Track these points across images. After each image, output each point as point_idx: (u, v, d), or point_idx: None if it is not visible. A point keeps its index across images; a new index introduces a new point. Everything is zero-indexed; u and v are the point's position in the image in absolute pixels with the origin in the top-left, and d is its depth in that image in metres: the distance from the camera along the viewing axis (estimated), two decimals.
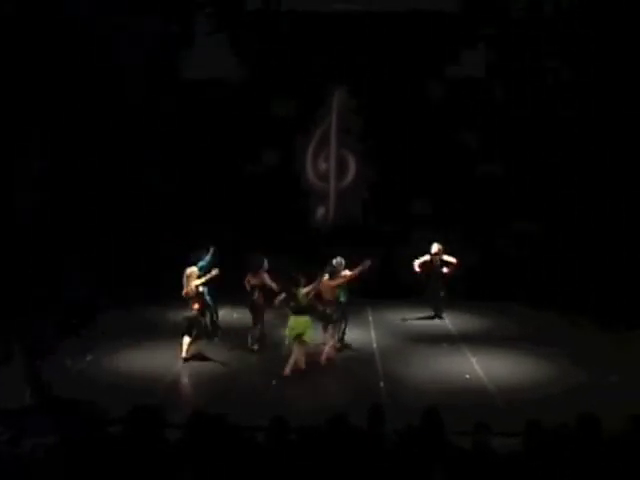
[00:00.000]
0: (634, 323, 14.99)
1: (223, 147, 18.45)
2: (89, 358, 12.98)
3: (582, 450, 6.21)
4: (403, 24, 17.95)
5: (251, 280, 13.53)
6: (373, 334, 14.86)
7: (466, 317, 16.38)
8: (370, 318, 16.21)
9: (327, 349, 13.11)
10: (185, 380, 12.21)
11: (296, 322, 12.44)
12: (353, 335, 14.43)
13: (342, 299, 13.51)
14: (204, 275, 13.09)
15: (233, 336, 14.25)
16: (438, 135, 18.38)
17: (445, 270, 16.00)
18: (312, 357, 12.88)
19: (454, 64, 18.05)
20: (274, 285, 13.23)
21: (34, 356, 10.91)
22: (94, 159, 17.82)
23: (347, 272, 13.14)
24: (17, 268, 15.87)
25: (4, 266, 15.75)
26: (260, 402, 10.86)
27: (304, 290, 12.45)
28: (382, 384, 12.04)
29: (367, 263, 12.85)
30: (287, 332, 12.58)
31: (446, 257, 15.99)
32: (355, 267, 13.05)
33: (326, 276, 13.00)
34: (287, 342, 12.68)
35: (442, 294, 16.21)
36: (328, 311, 13.07)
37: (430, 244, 16.01)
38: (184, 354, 12.91)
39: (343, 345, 13.93)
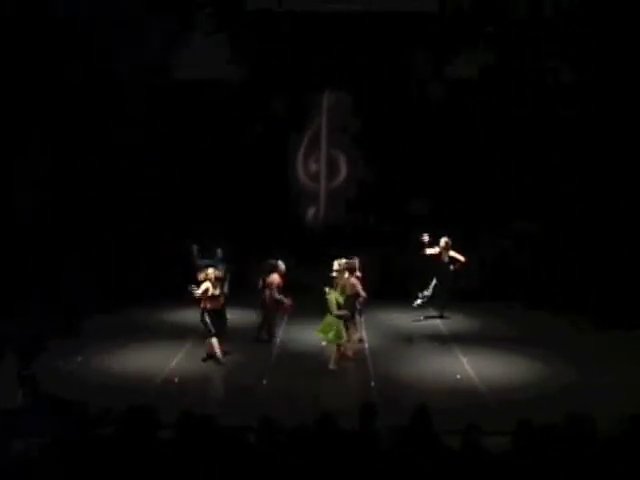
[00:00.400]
0: (632, 324, 15.00)
1: (221, 147, 18.52)
2: (80, 359, 12.96)
3: (572, 449, 6.25)
4: (402, 24, 18.01)
5: (266, 280, 13.92)
6: (364, 334, 14.87)
7: (458, 317, 16.34)
8: (362, 318, 16.21)
9: (351, 344, 13.30)
10: (176, 380, 12.18)
11: (326, 321, 12.71)
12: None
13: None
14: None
15: (225, 336, 14.25)
16: (438, 135, 18.42)
17: (452, 267, 15.87)
18: (302, 356, 12.95)
19: (453, 64, 18.13)
20: (277, 295, 13.76)
21: (26, 356, 10.91)
22: (94, 159, 17.89)
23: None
24: (16, 268, 15.95)
25: (3, 266, 15.83)
26: (251, 402, 10.88)
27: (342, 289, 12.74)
28: (373, 384, 12.06)
29: None
30: (321, 333, 12.87)
31: (454, 253, 15.86)
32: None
33: (346, 274, 13.09)
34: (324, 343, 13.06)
35: (447, 294, 16.07)
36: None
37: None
38: (219, 354, 12.96)
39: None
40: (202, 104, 18.32)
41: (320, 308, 12.99)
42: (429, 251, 15.67)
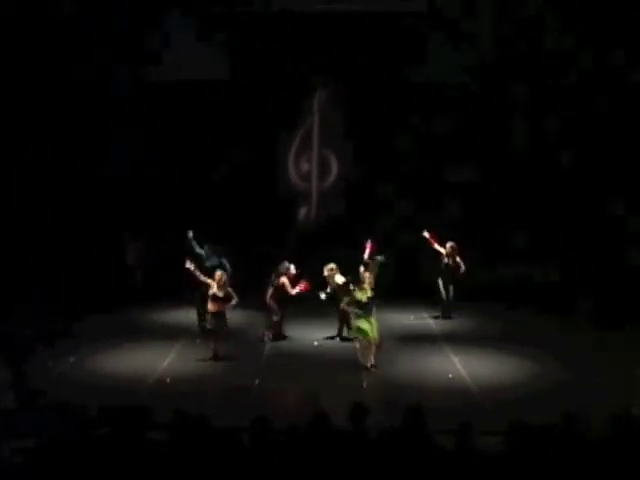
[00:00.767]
0: (625, 323, 15.04)
1: (217, 147, 18.58)
2: (72, 359, 12.94)
3: (565, 449, 6.27)
4: (399, 24, 18.05)
5: (277, 281, 14.29)
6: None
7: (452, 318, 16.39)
8: None
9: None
10: (168, 381, 12.17)
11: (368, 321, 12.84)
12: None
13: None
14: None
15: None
16: (435, 135, 18.47)
17: (446, 263, 15.98)
18: (295, 356, 13.06)
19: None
20: (290, 290, 14.16)
21: (18, 358, 10.90)
22: (94, 159, 17.92)
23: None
24: (15, 267, 16.00)
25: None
26: (243, 402, 10.89)
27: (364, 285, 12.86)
28: (365, 384, 12.07)
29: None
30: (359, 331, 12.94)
31: (459, 259, 15.96)
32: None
33: (362, 268, 13.26)
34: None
35: (451, 295, 16.17)
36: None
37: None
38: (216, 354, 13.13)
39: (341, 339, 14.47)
40: (194, 105, 18.36)
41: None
42: (436, 246, 15.94)
